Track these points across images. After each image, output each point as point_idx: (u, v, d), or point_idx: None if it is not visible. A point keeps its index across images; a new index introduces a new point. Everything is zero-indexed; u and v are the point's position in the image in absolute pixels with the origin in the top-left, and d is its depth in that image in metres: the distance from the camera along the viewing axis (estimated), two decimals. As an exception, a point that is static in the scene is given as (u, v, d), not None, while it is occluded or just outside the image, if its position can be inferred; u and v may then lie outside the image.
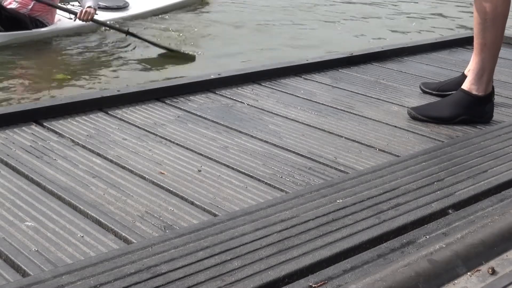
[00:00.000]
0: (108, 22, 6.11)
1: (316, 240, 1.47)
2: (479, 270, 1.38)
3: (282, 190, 1.84)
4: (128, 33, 5.85)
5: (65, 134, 2.19)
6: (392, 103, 2.72)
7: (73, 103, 2.42)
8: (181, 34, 6.53)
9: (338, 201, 1.67)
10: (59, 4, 5.98)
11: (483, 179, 1.85)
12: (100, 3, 6.41)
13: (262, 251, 1.41)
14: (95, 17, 5.83)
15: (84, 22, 5.80)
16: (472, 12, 2.45)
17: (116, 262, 1.33)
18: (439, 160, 1.98)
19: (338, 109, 2.62)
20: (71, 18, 5.90)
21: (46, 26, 5.96)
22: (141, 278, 1.29)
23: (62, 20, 6.08)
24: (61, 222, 1.59)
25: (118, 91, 2.58)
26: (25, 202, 1.68)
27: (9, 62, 5.39)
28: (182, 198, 1.76)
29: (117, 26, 6.06)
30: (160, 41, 5.95)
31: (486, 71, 2.44)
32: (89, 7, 5.72)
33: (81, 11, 5.70)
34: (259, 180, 1.90)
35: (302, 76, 3.06)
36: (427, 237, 1.54)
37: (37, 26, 5.89)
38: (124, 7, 6.90)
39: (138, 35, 5.89)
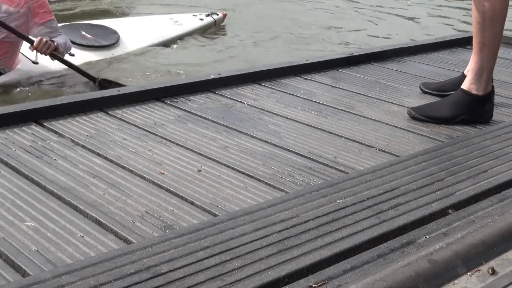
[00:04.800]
0: (76, 65, 4.76)
1: (316, 240, 1.47)
2: (479, 270, 1.38)
3: (282, 190, 1.84)
4: (99, 81, 4.72)
5: (65, 134, 2.19)
6: (392, 103, 2.72)
7: (73, 103, 2.42)
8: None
9: (338, 201, 1.67)
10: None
11: (483, 179, 1.85)
12: (87, 35, 5.45)
13: (262, 251, 1.41)
14: (70, 59, 4.71)
15: (47, 59, 4.60)
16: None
17: (116, 262, 1.33)
18: (439, 160, 1.98)
19: (338, 109, 2.62)
20: (36, 62, 4.67)
21: (1, 73, 4.63)
22: (141, 278, 1.29)
23: (23, 62, 4.78)
24: (61, 222, 1.59)
25: (118, 91, 2.58)
26: (25, 202, 1.68)
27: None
28: (182, 198, 1.76)
29: (87, 72, 4.78)
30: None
31: (485, 71, 2.44)
32: (51, 40, 4.49)
33: (40, 39, 4.42)
34: (259, 180, 1.90)
35: (302, 76, 3.06)
36: (427, 237, 1.54)
37: None
38: (113, 44, 5.66)
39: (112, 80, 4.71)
